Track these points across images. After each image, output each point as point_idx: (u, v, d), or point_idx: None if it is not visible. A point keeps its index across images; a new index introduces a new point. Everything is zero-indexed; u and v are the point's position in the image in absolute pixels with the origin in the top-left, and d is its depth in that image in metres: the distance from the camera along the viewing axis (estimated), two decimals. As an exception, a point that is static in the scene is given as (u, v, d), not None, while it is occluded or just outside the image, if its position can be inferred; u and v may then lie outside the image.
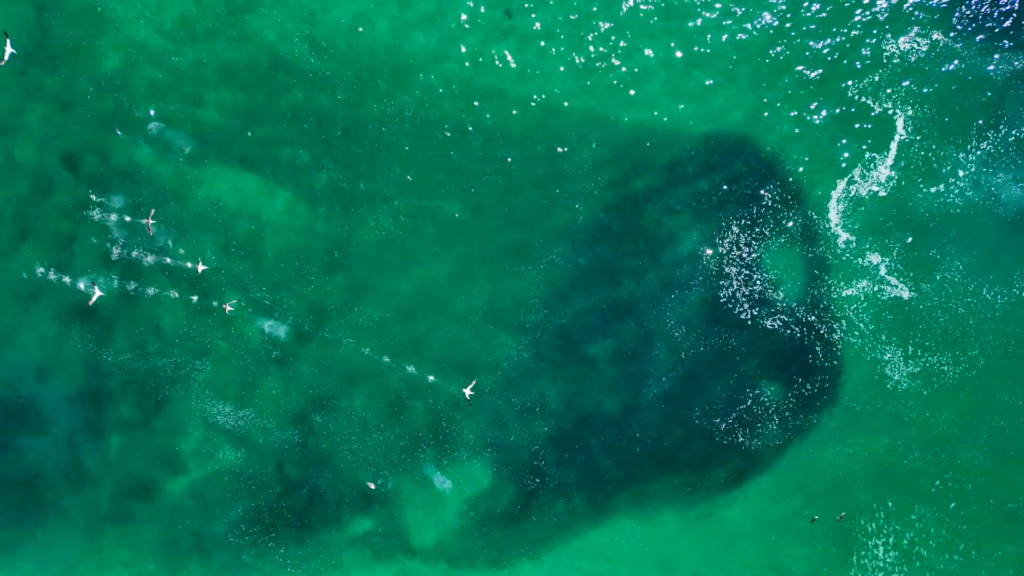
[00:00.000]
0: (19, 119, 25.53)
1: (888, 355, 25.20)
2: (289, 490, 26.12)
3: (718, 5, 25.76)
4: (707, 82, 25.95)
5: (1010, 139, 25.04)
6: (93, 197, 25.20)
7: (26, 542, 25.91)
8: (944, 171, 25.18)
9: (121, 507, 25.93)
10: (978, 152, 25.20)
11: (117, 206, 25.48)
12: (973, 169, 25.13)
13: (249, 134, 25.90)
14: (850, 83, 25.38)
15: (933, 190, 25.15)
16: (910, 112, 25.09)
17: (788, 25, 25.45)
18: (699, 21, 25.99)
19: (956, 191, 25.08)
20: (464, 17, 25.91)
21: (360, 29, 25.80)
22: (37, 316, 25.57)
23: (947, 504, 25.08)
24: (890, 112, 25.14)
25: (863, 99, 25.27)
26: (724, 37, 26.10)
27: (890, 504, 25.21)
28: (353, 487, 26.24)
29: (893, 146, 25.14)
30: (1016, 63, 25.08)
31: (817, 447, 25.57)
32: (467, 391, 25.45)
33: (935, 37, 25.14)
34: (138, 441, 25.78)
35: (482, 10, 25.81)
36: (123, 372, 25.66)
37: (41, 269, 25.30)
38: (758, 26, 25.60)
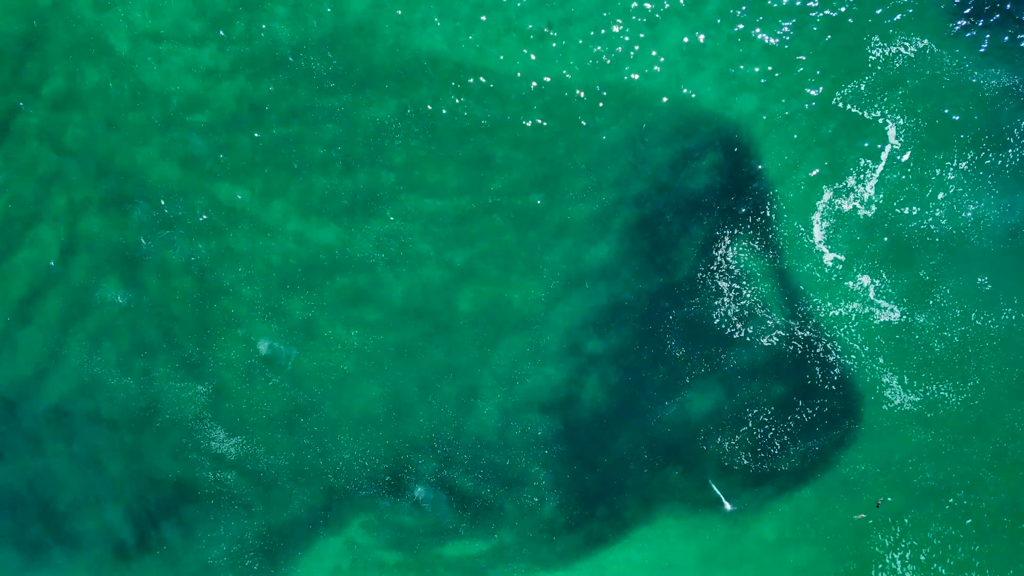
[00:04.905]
0: (18, 120, 25.90)
1: (886, 379, 26.08)
2: (284, 513, 26.11)
3: (700, 8, 26.63)
4: (695, 86, 26.43)
5: (1000, 161, 25.98)
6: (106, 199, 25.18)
7: (32, 565, 26.00)
8: (931, 193, 26.00)
9: (125, 535, 26.01)
10: (970, 174, 26.02)
11: (135, 215, 25.43)
12: (962, 192, 26.02)
13: (252, 135, 26.21)
14: (843, 92, 26.29)
15: (922, 212, 26.00)
16: (903, 122, 26.08)
17: (782, 29, 26.50)
18: (687, 27, 26.53)
19: (945, 213, 25.97)
20: (470, 15, 26.41)
21: (365, 27, 26.15)
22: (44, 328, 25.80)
23: (963, 521, 25.57)
24: (883, 122, 26.07)
25: (854, 109, 26.21)
26: (715, 37, 26.51)
27: (905, 520, 25.81)
28: (342, 503, 25.95)
29: (883, 160, 26.04)
30: (1009, 81, 26.11)
31: (825, 468, 26.08)
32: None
33: (934, 49, 26.22)
34: (141, 466, 25.89)
35: (488, 9, 26.48)
36: (127, 391, 25.73)
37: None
38: (752, 28, 26.54)
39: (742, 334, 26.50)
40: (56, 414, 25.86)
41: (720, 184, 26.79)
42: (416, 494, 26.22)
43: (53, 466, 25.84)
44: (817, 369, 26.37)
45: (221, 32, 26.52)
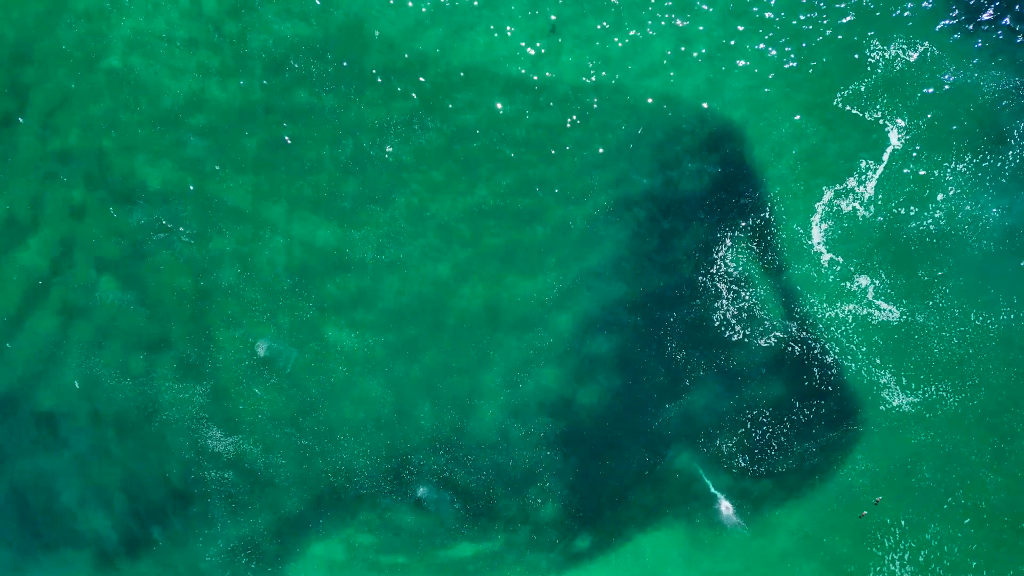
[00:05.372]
0: (17, 121, 25.86)
1: (884, 380, 26.14)
2: (283, 513, 26.18)
3: (702, 9, 26.56)
4: (695, 86, 26.38)
5: (998, 163, 25.94)
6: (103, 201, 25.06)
7: (29, 565, 26.20)
8: (930, 194, 25.99)
9: (122, 534, 25.98)
10: (968, 175, 25.99)
11: (134, 217, 25.41)
12: (961, 193, 26.01)
13: (246, 136, 26.06)
14: (844, 94, 26.26)
15: (921, 213, 25.99)
16: (903, 124, 26.06)
17: (783, 31, 26.43)
18: (688, 23, 26.38)
19: (944, 214, 25.95)
20: (468, 16, 26.33)
21: (363, 27, 26.04)
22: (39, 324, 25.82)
23: (961, 520, 25.62)
24: (883, 124, 26.04)
25: (855, 111, 26.17)
26: (715, 38, 26.43)
27: (903, 522, 25.87)
28: (336, 500, 25.95)
29: (884, 162, 25.97)
30: (1009, 84, 26.06)
31: (824, 469, 26.15)
32: None
33: (934, 51, 26.14)
34: (139, 466, 25.93)
35: (486, 10, 26.59)
36: (123, 396, 25.78)
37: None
38: (753, 31, 26.51)
39: (741, 336, 26.57)
40: (53, 414, 25.98)
41: (719, 186, 26.80)
42: (419, 494, 26.25)
43: (50, 466, 25.95)
44: (816, 371, 26.42)
45: (219, 34, 26.51)
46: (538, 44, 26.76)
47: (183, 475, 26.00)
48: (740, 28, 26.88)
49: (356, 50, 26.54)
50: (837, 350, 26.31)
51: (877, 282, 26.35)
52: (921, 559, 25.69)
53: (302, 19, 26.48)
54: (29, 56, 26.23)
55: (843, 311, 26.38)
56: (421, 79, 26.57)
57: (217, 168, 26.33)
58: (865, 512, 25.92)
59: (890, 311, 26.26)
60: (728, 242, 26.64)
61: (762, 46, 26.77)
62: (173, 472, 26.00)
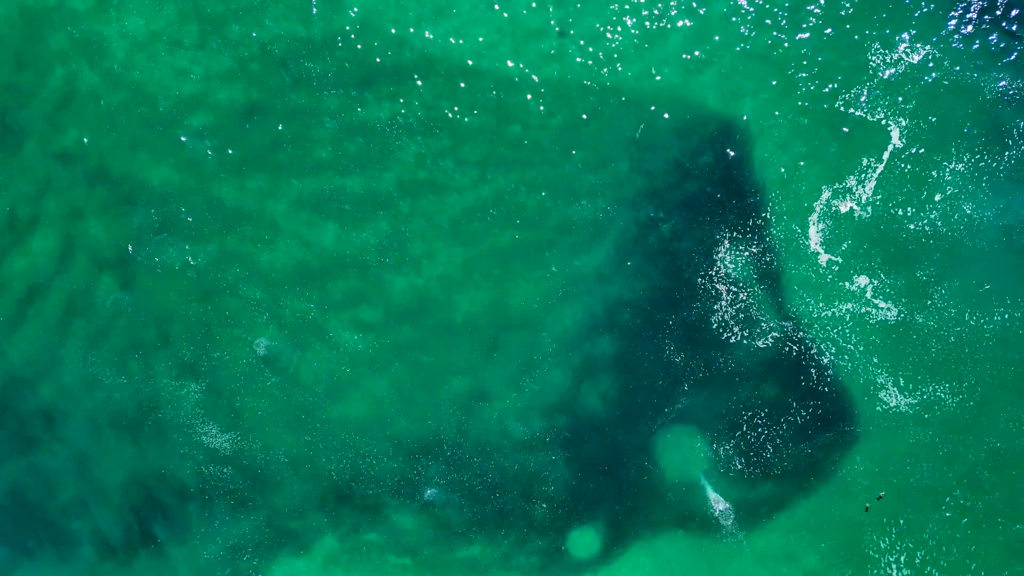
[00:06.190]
0: (17, 123, 26.06)
1: (881, 380, 26.10)
2: (283, 512, 26.25)
3: (703, 11, 26.61)
4: (695, 87, 26.46)
5: (995, 163, 25.93)
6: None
7: (24, 563, 26.16)
8: (927, 195, 26.00)
9: (120, 532, 26.20)
10: (966, 175, 25.99)
11: (134, 217, 25.49)
12: (958, 193, 26.03)
13: (246, 133, 26.20)
14: (845, 95, 26.28)
15: (919, 213, 25.98)
16: (904, 125, 26.09)
17: (785, 33, 26.50)
18: (694, 24, 26.49)
19: (941, 215, 25.96)
20: (469, 17, 26.52)
21: (363, 29, 26.14)
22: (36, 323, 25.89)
23: (958, 520, 25.59)
24: (883, 125, 26.07)
25: (856, 112, 26.19)
26: (717, 39, 26.53)
27: (902, 522, 25.83)
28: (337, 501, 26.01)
29: (884, 162, 25.98)
30: (1009, 84, 26.08)
31: (822, 470, 26.09)
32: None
33: (935, 53, 26.16)
34: (138, 464, 26.00)
35: (488, 11, 26.53)
36: (122, 392, 25.87)
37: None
38: (755, 32, 26.53)
39: (740, 338, 26.60)
40: (52, 414, 26.18)
41: (719, 187, 26.85)
42: (426, 496, 26.30)
43: (48, 465, 26.36)
44: (814, 372, 26.43)
45: (219, 35, 26.58)
46: (539, 46, 26.84)
47: (182, 473, 26.16)
48: (741, 31, 26.94)
49: (357, 51, 26.60)
50: (835, 350, 26.32)
51: (875, 282, 26.36)
52: (918, 561, 25.67)
53: (302, 21, 26.57)
54: (29, 57, 26.39)
55: (841, 310, 26.40)
56: (423, 80, 26.66)
57: (218, 168, 26.41)
58: (868, 506, 25.91)
59: (888, 310, 26.26)
60: (727, 243, 26.69)
61: (764, 48, 26.82)
62: (172, 470, 26.19)
